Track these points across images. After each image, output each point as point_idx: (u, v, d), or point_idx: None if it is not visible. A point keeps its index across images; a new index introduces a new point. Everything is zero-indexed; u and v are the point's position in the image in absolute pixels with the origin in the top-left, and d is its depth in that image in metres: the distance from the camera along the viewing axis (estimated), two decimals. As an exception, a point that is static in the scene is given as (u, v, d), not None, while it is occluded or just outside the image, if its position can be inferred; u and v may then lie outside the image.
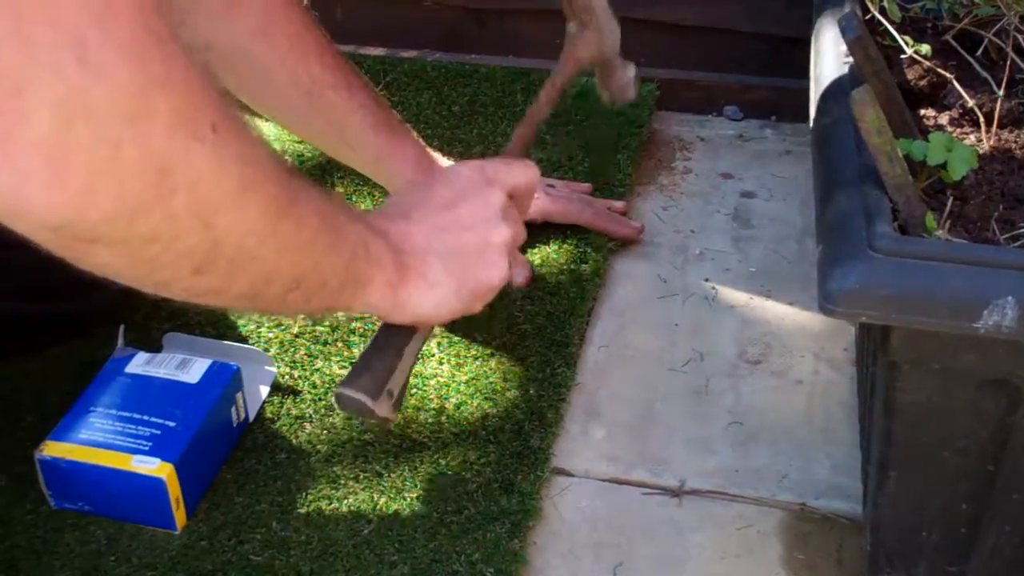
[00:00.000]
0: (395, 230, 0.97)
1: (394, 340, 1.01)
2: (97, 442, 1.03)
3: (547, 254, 1.34)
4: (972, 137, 0.95)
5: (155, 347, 1.18)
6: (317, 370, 1.18)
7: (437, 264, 0.97)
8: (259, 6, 1.16)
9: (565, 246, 1.35)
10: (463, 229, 1.00)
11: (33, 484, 1.04)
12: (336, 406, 1.00)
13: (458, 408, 1.14)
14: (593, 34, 1.18)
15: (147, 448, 1.02)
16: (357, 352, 1.20)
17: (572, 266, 1.32)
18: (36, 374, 1.18)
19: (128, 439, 1.03)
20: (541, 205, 1.33)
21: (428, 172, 1.21)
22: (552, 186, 1.39)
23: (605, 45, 1.19)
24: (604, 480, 1.10)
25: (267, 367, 1.17)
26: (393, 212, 1.01)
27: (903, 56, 1.01)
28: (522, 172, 1.08)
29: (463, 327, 1.22)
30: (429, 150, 1.26)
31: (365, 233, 0.92)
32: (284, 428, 1.12)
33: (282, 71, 1.18)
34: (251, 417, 1.12)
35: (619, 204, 1.43)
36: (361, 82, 1.22)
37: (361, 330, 1.23)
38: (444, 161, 1.27)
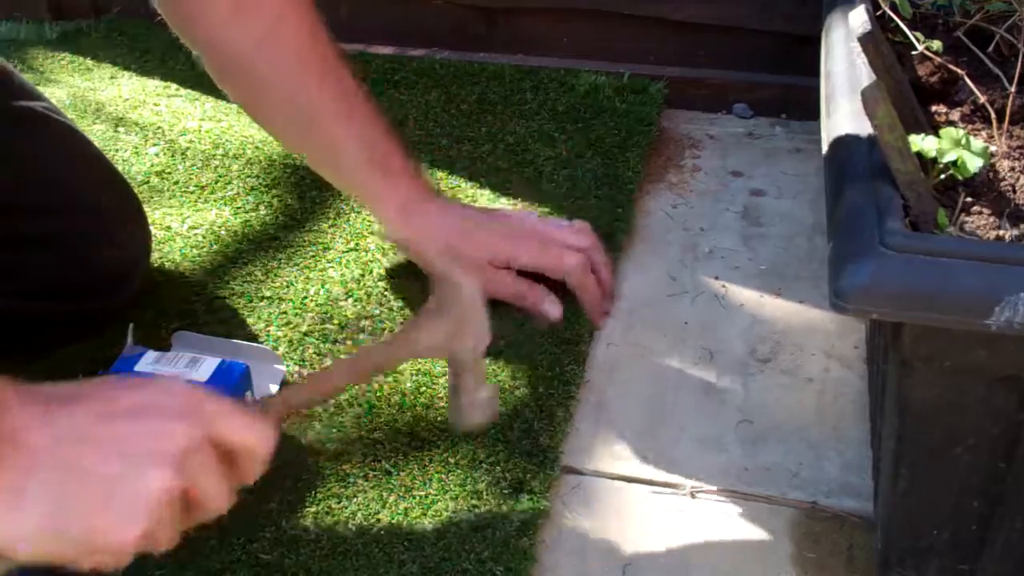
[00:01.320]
0: (16, 417, 0.72)
1: None
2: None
3: (556, 252, 1.33)
4: (983, 133, 0.95)
5: (164, 346, 1.18)
6: (326, 368, 1.18)
7: (45, 484, 0.70)
8: (268, 15, 1.12)
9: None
10: (105, 452, 0.72)
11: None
12: None
13: (467, 406, 1.14)
14: (447, 325, 0.95)
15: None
16: (366, 351, 1.20)
17: (581, 264, 1.31)
18: (46, 373, 1.17)
19: (137, 438, 1.02)
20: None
21: (410, 218, 1.20)
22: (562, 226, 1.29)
23: (457, 344, 0.96)
24: (614, 478, 1.10)
25: (276, 365, 1.17)
26: (42, 395, 0.75)
27: (914, 52, 1.00)
28: (246, 427, 0.79)
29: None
30: (426, 188, 1.22)
31: None
32: (293, 427, 1.12)
33: (282, 89, 1.14)
34: (260, 416, 1.12)
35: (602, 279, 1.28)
36: (364, 111, 1.17)
37: (370, 328, 1.23)
38: (444, 205, 1.23)
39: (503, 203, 1.42)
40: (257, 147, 1.53)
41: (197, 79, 1.70)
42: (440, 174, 1.48)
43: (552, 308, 1.23)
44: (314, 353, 1.20)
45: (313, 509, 1.04)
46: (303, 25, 1.14)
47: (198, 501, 0.76)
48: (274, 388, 1.15)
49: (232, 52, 1.13)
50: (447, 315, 0.95)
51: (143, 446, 0.73)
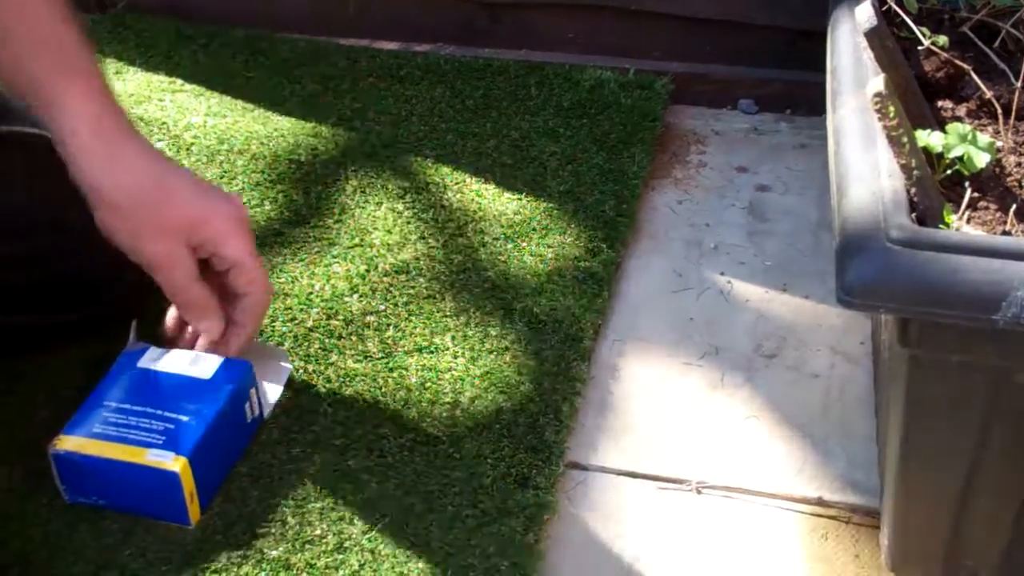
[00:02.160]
0: None
1: None
2: (111, 436, 1.02)
3: (561, 248, 1.33)
4: (990, 129, 0.95)
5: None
6: (332, 364, 1.18)
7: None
8: None
9: (579, 240, 1.34)
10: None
11: (48, 478, 1.04)
12: None
13: (472, 402, 1.14)
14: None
15: (161, 442, 1.02)
16: (372, 346, 1.20)
17: (586, 260, 1.32)
18: (51, 370, 1.18)
19: (142, 433, 1.02)
20: None
21: (106, 144, 0.99)
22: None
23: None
24: (619, 474, 1.10)
25: (282, 363, 1.17)
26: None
27: (920, 48, 1.00)
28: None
29: (478, 321, 1.22)
30: (120, 108, 1.01)
31: None
32: (299, 422, 1.12)
33: None
34: (266, 414, 1.12)
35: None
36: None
37: (375, 324, 1.23)
38: (138, 135, 1.03)
39: (508, 198, 1.42)
40: (262, 143, 1.53)
41: (202, 74, 1.70)
42: (445, 169, 1.48)
43: (214, 326, 1.09)
44: (319, 349, 1.20)
45: (319, 504, 1.04)
46: None
47: None
48: (280, 387, 1.15)
49: None
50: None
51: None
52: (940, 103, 0.98)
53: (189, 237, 1.02)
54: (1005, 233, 0.83)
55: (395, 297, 1.27)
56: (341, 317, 1.24)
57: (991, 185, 0.88)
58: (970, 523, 0.90)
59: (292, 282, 1.29)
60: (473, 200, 1.42)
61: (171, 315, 1.14)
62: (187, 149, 1.52)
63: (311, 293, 1.27)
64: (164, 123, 1.57)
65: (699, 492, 1.08)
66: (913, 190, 0.81)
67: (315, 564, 0.98)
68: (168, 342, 1.13)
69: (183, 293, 1.05)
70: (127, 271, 1.11)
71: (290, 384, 1.16)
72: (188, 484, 1.01)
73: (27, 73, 0.98)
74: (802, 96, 1.64)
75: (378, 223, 1.38)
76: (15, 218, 1.15)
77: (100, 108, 0.98)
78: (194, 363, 1.09)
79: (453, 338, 1.21)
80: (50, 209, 1.17)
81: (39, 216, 1.16)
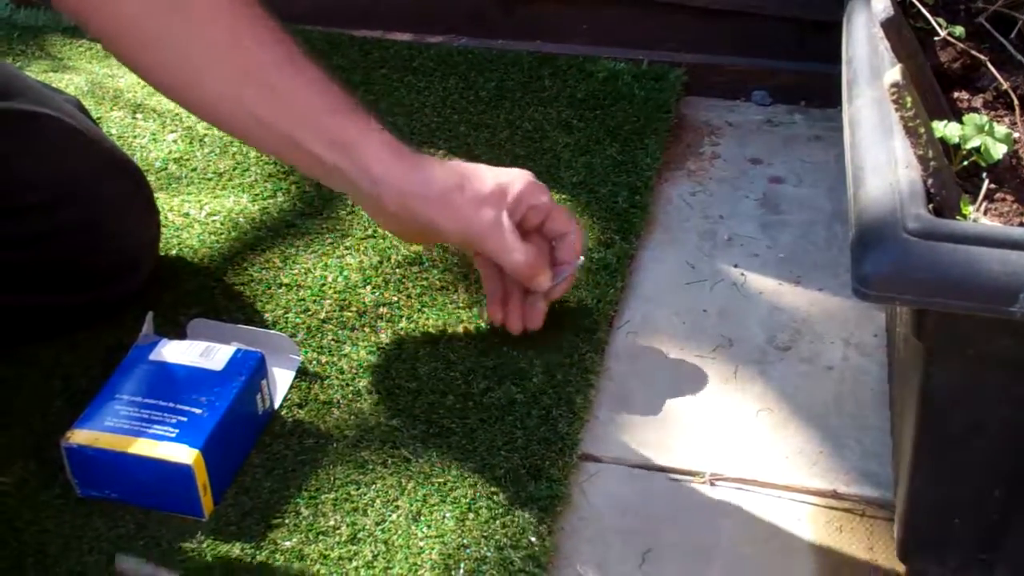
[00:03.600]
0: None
1: None
2: (123, 429, 1.03)
3: (575, 240, 1.33)
4: (1006, 120, 0.94)
5: (180, 333, 1.18)
6: (345, 355, 1.18)
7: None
8: None
9: (593, 232, 1.34)
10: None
11: (62, 470, 1.04)
12: None
13: (485, 393, 1.14)
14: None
15: (173, 435, 1.02)
16: (384, 338, 1.20)
17: (600, 252, 1.31)
18: (65, 360, 1.18)
19: (154, 426, 1.03)
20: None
21: (404, 160, 1.09)
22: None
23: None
24: (633, 466, 1.09)
25: (292, 355, 1.17)
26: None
27: (936, 38, 1.00)
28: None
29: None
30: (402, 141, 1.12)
31: None
32: (312, 414, 1.12)
33: (205, 52, 1.02)
34: (276, 405, 1.12)
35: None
36: (308, 59, 1.06)
37: (388, 315, 1.23)
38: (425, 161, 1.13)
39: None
40: (275, 134, 1.53)
41: (215, 66, 1.70)
42: (459, 160, 1.48)
43: (546, 280, 1.16)
44: (332, 340, 1.20)
45: (332, 496, 1.04)
46: None
47: None
48: (290, 376, 1.15)
49: (139, 21, 1.02)
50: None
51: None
52: (956, 94, 0.98)
53: (505, 201, 1.12)
54: (1022, 224, 0.83)
55: (408, 289, 1.27)
56: (354, 308, 1.24)
57: (1008, 176, 0.88)
58: (986, 516, 0.90)
59: (305, 274, 1.29)
60: (486, 191, 1.42)
61: (489, 303, 1.21)
62: (200, 140, 1.52)
63: (324, 284, 1.27)
64: (178, 115, 1.57)
65: (713, 484, 1.07)
66: (930, 181, 0.81)
67: (328, 555, 0.98)
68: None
69: (515, 252, 1.13)
70: (143, 256, 1.13)
71: (303, 375, 1.16)
72: (201, 477, 1.01)
73: (322, 132, 1.07)
74: (816, 87, 1.63)
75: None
76: (40, 192, 1.16)
77: (390, 138, 1.09)
78: (205, 355, 1.09)
79: (465, 330, 1.21)
80: (80, 183, 1.18)
81: (67, 190, 1.17)
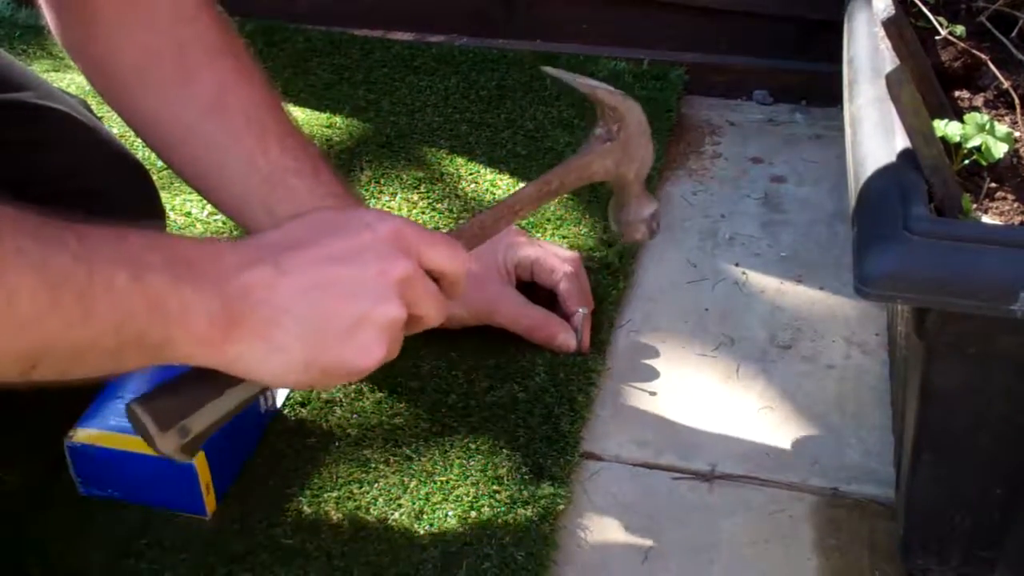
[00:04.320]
0: (250, 278, 0.80)
1: (219, 377, 0.84)
2: (126, 428, 1.02)
3: (576, 238, 1.33)
4: (1007, 119, 0.94)
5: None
6: (347, 354, 1.18)
7: (292, 328, 0.81)
8: (213, 81, 1.05)
9: (594, 230, 1.34)
10: (342, 295, 0.82)
11: (65, 469, 1.04)
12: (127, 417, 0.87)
13: (487, 392, 1.14)
14: (616, 149, 1.03)
15: (178, 432, 1.02)
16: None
17: (601, 251, 1.32)
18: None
19: (158, 424, 1.03)
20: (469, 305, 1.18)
21: None
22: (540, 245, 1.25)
23: (625, 167, 1.05)
24: (634, 464, 1.10)
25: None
26: (265, 251, 0.82)
27: (937, 38, 1.00)
28: (446, 254, 0.87)
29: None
30: None
31: (162, 288, 0.77)
32: (314, 412, 1.12)
33: (236, 154, 1.06)
34: (279, 403, 1.12)
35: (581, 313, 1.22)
36: (328, 167, 1.10)
37: (390, 314, 1.23)
38: None
39: (523, 189, 1.42)
40: (277, 133, 1.53)
41: (216, 65, 1.70)
42: (459, 160, 1.48)
43: (568, 338, 1.19)
44: (334, 339, 1.20)
45: (335, 494, 1.04)
46: (253, 92, 1.07)
47: (419, 318, 0.86)
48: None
49: (180, 122, 1.07)
50: (616, 140, 1.02)
51: (367, 285, 0.82)
52: (957, 93, 0.98)
53: (502, 267, 1.19)
54: (1023, 223, 0.83)
55: (410, 287, 1.26)
56: (356, 307, 1.24)
57: (1009, 175, 0.88)
58: (987, 514, 0.90)
59: (307, 272, 1.29)
60: (487, 191, 1.42)
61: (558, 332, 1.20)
62: (202, 140, 1.52)
63: (326, 283, 1.27)
64: (179, 114, 1.57)
65: (714, 483, 1.07)
66: (931, 180, 0.81)
67: (331, 553, 0.99)
68: None
69: (527, 318, 1.19)
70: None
71: (305, 374, 1.16)
72: (204, 475, 1.01)
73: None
74: (817, 87, 1.63)
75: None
76: (47, 182, 1.16)
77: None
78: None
79: (467, 329, 1.21)
80: (86, 176, 1.18)
81: (73, 182, 1.17)
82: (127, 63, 1.05)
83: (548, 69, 1.04)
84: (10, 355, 0.73)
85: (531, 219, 1.36)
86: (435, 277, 0.87)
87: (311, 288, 0.81)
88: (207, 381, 0.85)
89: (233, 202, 1.11)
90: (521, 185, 1.41)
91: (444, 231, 0.96)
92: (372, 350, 0.83)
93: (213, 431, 0.86)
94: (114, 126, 1.55)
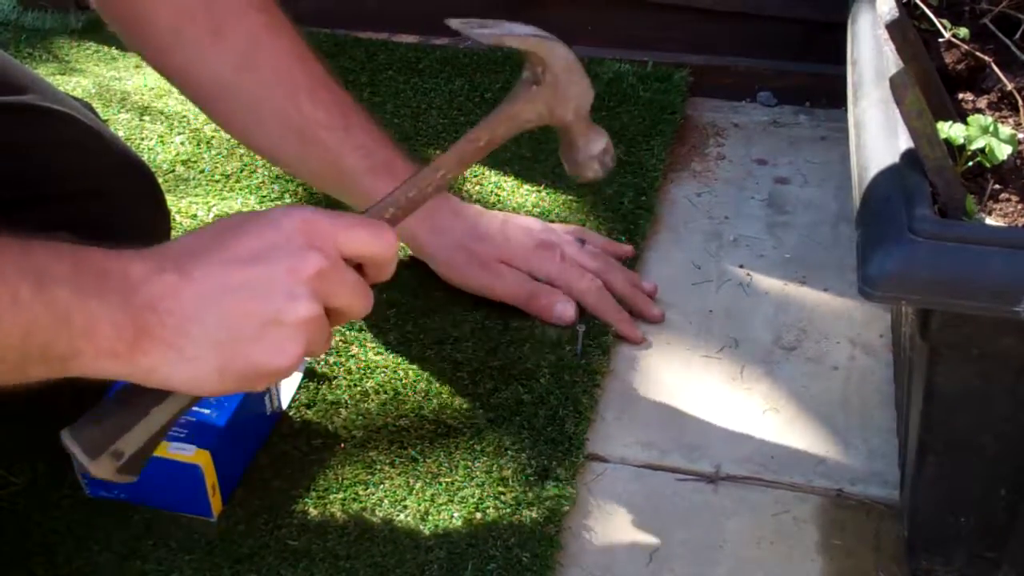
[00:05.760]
0: (156, 287, 0.78)
1: (144, 397, 0.83)
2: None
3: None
4: (1011, 121, 0.94)
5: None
6: (352, 356, 1.19)
7: (200, 336, 0.79)
8: (243, 36, 1.08)
9: (599, 232, 1.34)
10: (250, 298, 0.79)
11: (71, 469, 1.04)
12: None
13: (492, 394, 1.14)
14: (545, 92, 0.98)
15: (183, 435, 1.02)
16: (393, 338, 1.21)
17: (606, 252, 1.31)
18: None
19: (164, 426, 1.03)
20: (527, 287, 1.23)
21: (432, 221, 1.20)
22: (584, 242, 1.28)
23: (560, 108, 0.99)
24: (639, 466, 1.10)
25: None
26: (169, 260, 0.80)
27: (941, 40, 1.00)
28: (366, 238, 0.84)
29: (497, 312, 1.23)
30: (444, 194, 1.19)
31: (67, 300, 0.76)
32: (319, 414, 1.12)
33: (270, 108, 1.10)
34: (284, 405, 1.13)
35: (648, 285, 1.29)
36: (360, 120, 1.13)
37: (395, 317, 1.23)
38: (458, 205, 1.25)
39: (526, 190, 1.42)
40: (282, 136, 1.53)
41: (222, 68, 1.70)
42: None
43: (565, 308, 1.21)
44: (340, 340, 1.20)
45: (340, 495, 1.04)
46: (283, 46, 1.10)
47: (342, 311, 0.84)
48: (297, 378, 1.15)
49: (214, 78, 1.09)
50: (543, 83, 0.97)
51: (276, 284, 0.79)
52: (961, 95, 0.98)
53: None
54: (1027, 225, 0.83)
55: (415, 289, 1.27)
56: (361, 309, 1.24)
57: (1013, 177, 0.88)
58: (991, 515, 0.90)
59: (312, 274, 1.29)
60: (492, 192, 1.42)
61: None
62: (207, 143, 1.53)
63: (331, 285, 1.27)
64: (184, 117, 1.58)
65: (718, 484, 1.08)
66: (935, 182, 0.81)
67: (337, 554, 0.99)
68: None
69: (524, 289, 1.22)
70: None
71: (311, 376, 1.16)
72: (210, 477, 1.01)
73: (360, 193, 1.15)
74: (821, 88, 1.63)
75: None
76: (53, 184, 1.16)
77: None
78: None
79: (472, 331, 1.22)
80: (92, 178, 1.18)
81: (81, 184, 1.17)
82: (161, 24, 1.08)
83: (452, 21, 0.98)
84: None
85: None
86: (361, 263, 0.85)
87: (217, 293, 0.79)
88: (134, 400, 0.84)
89: (274, 154, 1.15)
90: (525, 188, 1.42)
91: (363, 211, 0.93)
92: (286, 349, 0.80)
93: (154, 447, 0.86)
94: (119, 129, 1.56)
